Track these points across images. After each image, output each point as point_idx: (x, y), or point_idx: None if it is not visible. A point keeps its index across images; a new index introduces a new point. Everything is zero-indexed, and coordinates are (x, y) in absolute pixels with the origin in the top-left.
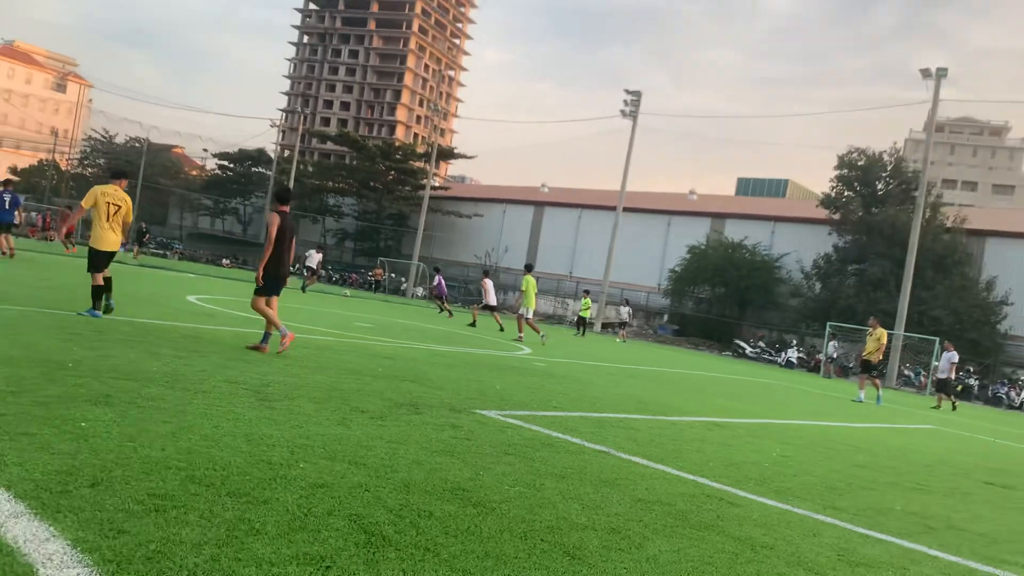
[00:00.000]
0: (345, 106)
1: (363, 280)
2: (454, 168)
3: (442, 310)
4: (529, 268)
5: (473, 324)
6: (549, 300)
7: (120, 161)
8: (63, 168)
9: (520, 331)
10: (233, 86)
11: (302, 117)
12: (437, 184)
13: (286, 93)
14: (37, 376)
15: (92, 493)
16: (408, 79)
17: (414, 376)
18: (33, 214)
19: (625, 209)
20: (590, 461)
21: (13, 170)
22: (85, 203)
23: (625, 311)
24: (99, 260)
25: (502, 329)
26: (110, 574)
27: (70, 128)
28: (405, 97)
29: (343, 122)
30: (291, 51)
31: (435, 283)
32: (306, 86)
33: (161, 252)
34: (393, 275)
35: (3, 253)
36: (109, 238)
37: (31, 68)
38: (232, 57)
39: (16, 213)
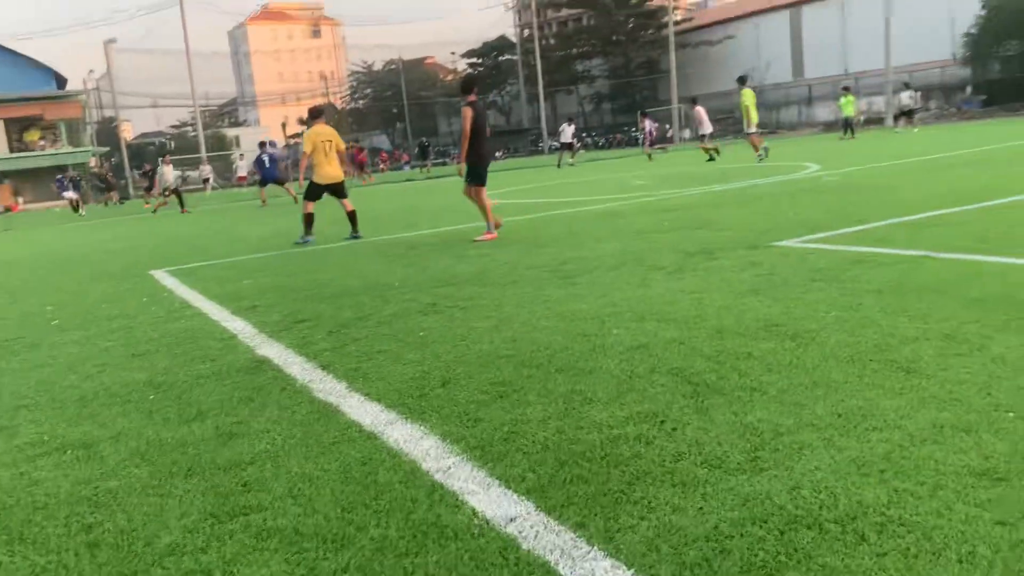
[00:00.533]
0: None
1: (628, 138)
2: None
3: (651, 157)
4: (743, 81)
5: (711, 159)
6: (828, 105)
7: (385, 89)
8: (339, 107)
9: (757, 150)
10: None
11: None
12: (679, 18)
13: None
14: (374, 299)
15: (445, 392)
16: None
17: (701, 222)
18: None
19: None
20: (909, 269)
21: (301, 120)
22: (307, 148)
23: (907, 95)
24: (317, 191)
25: (715, 155)
26: (478, 458)
27: (334, 68)
28: None
29: None
30: None
31: (644, 128)
32: None
33: (442, 161)
34: (656, 124)
35: (295, 200)
36: (329, 172)
37: (288, 24)
38: None
39: (278, 169)
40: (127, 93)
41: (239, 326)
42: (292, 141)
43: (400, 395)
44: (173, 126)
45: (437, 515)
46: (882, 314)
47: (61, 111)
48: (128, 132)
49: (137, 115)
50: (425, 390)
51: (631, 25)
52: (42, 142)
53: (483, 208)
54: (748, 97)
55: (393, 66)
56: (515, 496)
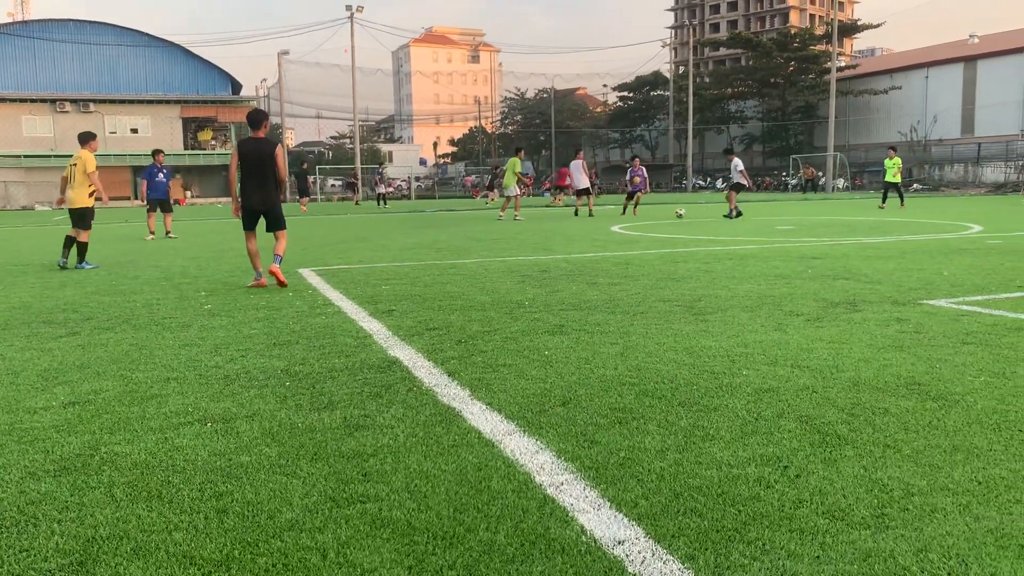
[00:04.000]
0: (732, 6)
1: (777, 182)
2: (860, 42)
3: (625, 210)
4: (518, 150)
5: (576, 213)
6: (997, 166)
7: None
8: (489, 131)
9: (501, 209)
10: (621, 18)
11: (691, 29)
12: (843, 64)
13: (671, 9)
14: (503, 315)
15: (564, 411)
16: None
17: (847, 273)
18: (474, 177)
19: None
20: None
21: (451, 141)
22: (65, 173)
23: None
24: (70, 217)
25: (591, 214)
26: (592, 479)
27: (488, 93)
28: None
29: (732, 23)
30: None
31: (630, 176)
32: None
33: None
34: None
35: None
36: (69, 196)
37: (449, 48)
38: None
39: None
40: (294, 103)
41: (374, 327)
42: (442, 161)
43: (520, 408)
44: (332, 137)
45: (546, 527)
46: None
47: (233, 114)
48: (291, 139)
49: (300, 124)
50: (545, 407)
51: (791, 69)
52: (213, 142)
53: (249, 254)
54: (514, 165)
55: (545, 95)
56: (625, 520)
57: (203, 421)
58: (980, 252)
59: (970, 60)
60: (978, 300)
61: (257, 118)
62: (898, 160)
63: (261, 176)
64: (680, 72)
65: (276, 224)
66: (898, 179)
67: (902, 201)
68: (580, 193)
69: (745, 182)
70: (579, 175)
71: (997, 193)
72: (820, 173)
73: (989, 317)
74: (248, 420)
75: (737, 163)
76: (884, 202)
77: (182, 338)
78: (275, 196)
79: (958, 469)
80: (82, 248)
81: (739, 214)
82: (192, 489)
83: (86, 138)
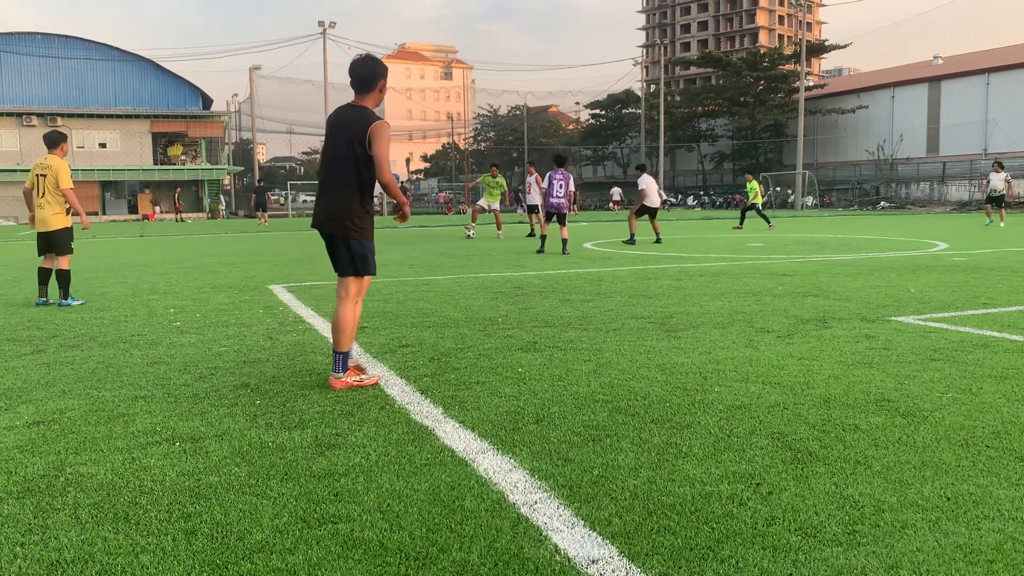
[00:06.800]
0: (703, 26)
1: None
2: (828, 62)
3: (532, 233)
4: (495, 166)
5: (531, 234)
6: (962, 184)
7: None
8: (461, 147)
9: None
10: (592, 36)
11: (662, 48)
12: (811, 84)
13: (643, 28)
14: (477, 332)
15: (538, 428)
16: None
17: (817, 290)
18: (446, 193)
19: None
20: None
21: (424, 157)
22: (27, 184)
23: (999, 178)
24: (38, 241)
25: (532, 234)
26: (565, 497)
27: (460, 110)
28: None
29: (703, 43)
30: None
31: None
32: (661, 16)
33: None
34: (778, 188)
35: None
36: (38, 216)
37: (422, 64)
38: (584, 9)
39: None
40: (265, 118)
41: None
42: (415, 176)
43: (494, 427)
44: (304, 152)
45: (519, 547)
46: (1004, 401)
47: (204, 130)
48: (262, 155)
49: (272, 139)
50: (519, 424)
51: (760, 87)
52: (183, 157)
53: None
54: (485, 180)
55: (518, 112)
56: (599, 539)
57: (171, 440)
58: (946, 269)
59: (934, 80)
60: (944, 317)
61: (369, 72)
62: (755, 184)
63: (335, 171)
64: (651, 90)
65: (349, 265)
66: (759, 201)
67: (768, 221)
68: (533, 211)
69: (653, 203)
70: (535, 194)
71: (961, 211)
72: (789, 191)
73: (955, 334)
74: (217, 439)
75: (641, 182)
76: (741, 223)
77: (150, 356)
78: (351, 210)
79: (927, 485)
80: (65, 278)
81: (632, 241)
82: (160, 510)
83: (56, 139)
